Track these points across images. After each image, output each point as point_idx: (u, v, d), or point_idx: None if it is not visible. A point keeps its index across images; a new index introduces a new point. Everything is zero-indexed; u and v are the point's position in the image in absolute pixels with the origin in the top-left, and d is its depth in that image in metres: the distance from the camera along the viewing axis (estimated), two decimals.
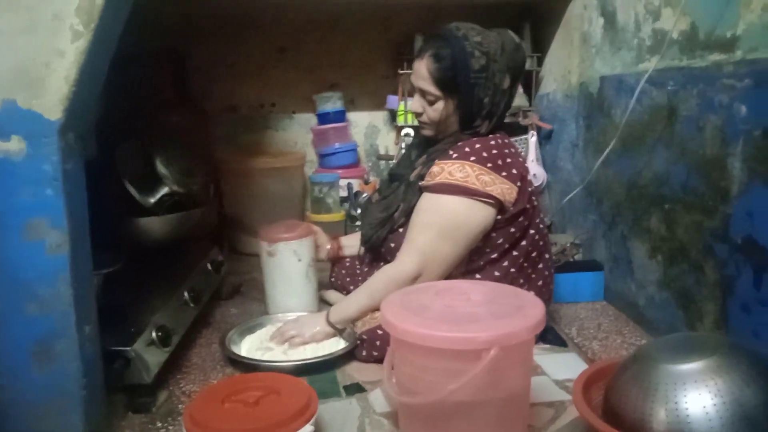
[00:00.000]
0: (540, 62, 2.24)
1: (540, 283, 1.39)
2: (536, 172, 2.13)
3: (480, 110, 1.31)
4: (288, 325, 1.39)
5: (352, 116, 2.44)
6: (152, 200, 1.57)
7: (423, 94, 1.35)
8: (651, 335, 1.44)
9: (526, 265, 1.35)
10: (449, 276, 1.31)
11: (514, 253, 1.33)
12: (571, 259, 1.81)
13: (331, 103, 2.34)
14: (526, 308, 0.96)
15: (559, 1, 2.05)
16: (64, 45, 0.92)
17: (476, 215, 1.26)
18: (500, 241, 1.30)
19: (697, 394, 0.82)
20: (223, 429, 0.93)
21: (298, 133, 2.51)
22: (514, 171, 1.29)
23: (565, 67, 2.04)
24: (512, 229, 1.30)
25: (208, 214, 1.77)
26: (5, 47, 0.91)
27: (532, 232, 1.34)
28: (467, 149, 1.28)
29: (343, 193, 2.22)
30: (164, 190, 1.58)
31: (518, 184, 1.29)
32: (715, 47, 1.21)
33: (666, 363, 0.87)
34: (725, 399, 0.81)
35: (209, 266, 1.67)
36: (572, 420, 1.08)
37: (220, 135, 2.45)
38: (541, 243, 1.37)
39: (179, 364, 1.35)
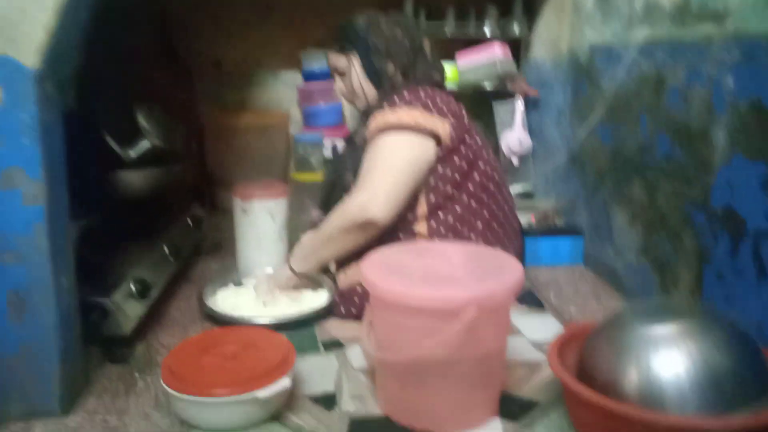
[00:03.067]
0: (530, 28, 2.22)
1: (503, 217, 1.41)
2: (522, 138, 2.13)
3: (379, 56, 1.41)
4: (263, 284, 1.41)
5: None
6: (133, 153, 1.54)
7: (336, 72, 1.49)
8: (627, 300, 1.46)
9: (486, 198, 1.38)
10: (414, 218, 1.33)
11: (470, 186, 1.35)
12: (553, 224, 1.82)
13: (318, 61, 2.30)
14: (506, 270, 0.96)
15: None
16: None
17: (414, 147, 1.29)
18: (449, 173, 1.33)
19: (669, 356, 0.84)
20: (200, 381, 0.94)
21: (283, 91, 2.48)
22: (445, 109, 1.33)
23: (555, 34, 2.03)
24: (456, 159, 1.33)
25: (190, 169, 1.76)
26: None
27: (481, 164, 1.37)
28: (397, 99, 1.34)
29: (328, 153, 2.20)
30: (145, 144, 1.56)
31: (450, 119, 1.33)
32: (706, 19, 1.20)
33: (639, 325, 0.88)
34: (696, 362, 0.82)
35: (190, 221, 1.67)
36: (546, 379, 1.10)
37: (205, 91, 2.42)
38: (496, 176, 1.40)
39: (158, 317, 1.35)
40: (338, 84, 1.50)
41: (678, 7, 1.30)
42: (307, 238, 1.38)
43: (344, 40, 1.45)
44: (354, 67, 1.44)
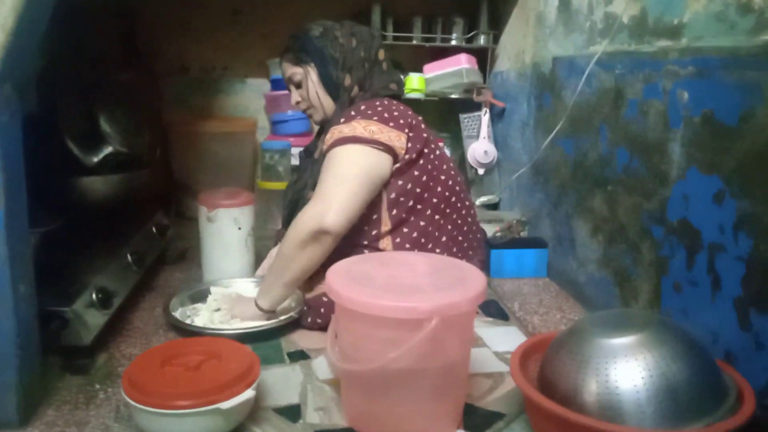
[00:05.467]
0: (496, 40, 2.26)
1: (465, 229, 1.43)
2: (487, 149, 2.16)
3: (336, 66, 1.40)
4: (227, 307, 1.38)
5: None
6: (95, 159, 1.52)
7: (291, 83, 1.48)
8: (589, 311, 1.49)
9: (448, 211, 1.39)
10: (378, 235, 1.34)
11: (434, 199, 1.36)
12: (517, 236, 1.85)
13: None
14: (468, 280, 0.98)
15: None
16: None
17: (367, 159, 1.29)
18: (410, 186, 1.33)
19: (627, 367, 0.86)
20: (162, 392, 0.92)
21: (250, 98, 2.47)
22: (401, 121, 1.33)
23: (519, 46, 2.06)
24: (416, 173, 1.34)
25: (154, 176, 1.73)
26: None
27: (443, 177, 1.38)
28: (353, 112, 1.33)
29: (295, 162, 2.20)
30: (108, 149, 1.53)
31: (406, 131, 1.33)
32: (663, 34, 1.24)
33: (599, 337, 0.90)
34: (653, 373, 0.85)
35: (154, 230, 1.65)
36: (509, 390, 1.11)
37: (170, 96, 2.40)
38: (457, 188, 1.42)
39: (120, 327, 1.33)
40: (294, 95, 1.49)
41: (636, 21, 1.34)
42: (269, 273, 1.32)
43: (300, 51, 1.43)
44: (310, 78, 1.43)
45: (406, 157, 1.32)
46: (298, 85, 1.46)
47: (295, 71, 1.45)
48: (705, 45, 1.11)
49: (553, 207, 1.73)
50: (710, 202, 1.07)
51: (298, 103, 1.49)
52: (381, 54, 1.44)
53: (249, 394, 0.95)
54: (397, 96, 1.44)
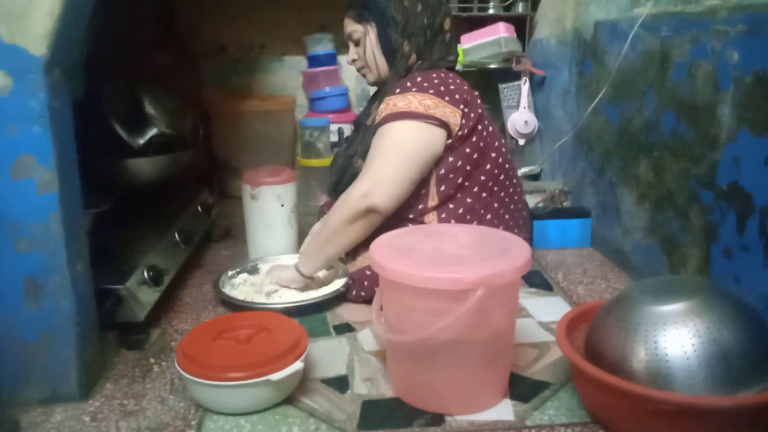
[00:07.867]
0: (534, 7, 2.21)
1: (512, 207, 1.42)
2: (527, 119, 2.13)
3: (397, 30, 1.37)
4: (266, 279, 1.40)
5: (344, 59, 2.39)
6: (141, 141, 1.55)
7: (350, 40, 1.45)
8: (636, 280, 1.46)
9: (496, 188, 1.38)
10: (425, 209, 1.34)
11: (482, 177, 1.35)
12: (560, 206, 1.82)
13: (322, 45, 2.30)
14: (513, 251, 0.97)
15: None
16: None
17: (421, 136, 1.28)
18: (460, 163, 1.32)
19: (677, 334, 0.84)
20: (214, 364, 0.95)
21: (288, 76, 2.48)
22: (457, 96, 1.32)
23: (559, 11, 2.01)
24: (467, 150, 1.32)
25: (198, 156, 1.77)
26: None
27: (493, 155, 1.37)
28: (408, 83, 1.31)
29: (334, 138, 2.21)
30: (153, 131, 1.57)
31: (461, 107, 1.31)
32: None
33: (647, 304, 0.89)
34: (703, 339, 0.83)
35: (199, 208, 1.68)
36: (555, 359, 1.11)
37: (210, 76, 2.42)
38: (507, 165, 1.40)
39: (171, 303, 1.37)
40: (351, 53, 1.47)
41: None
42: (313, 240, 1.35)
43: (362, 8, 1.40)
44: (369, 38, 1.41)
45: (459, 133, 1.30)
46: (357, 43, 1.44)
47: (355, 28, 1.42)
48: (756, 1, 1.07)
49: (597, 175, 1.70)
50: (762, 165, 1.04)
51: (354, 60, 1.47)
52: (447, 23, 1.40)
53: (298, 365, 0.97)
54: (453, 68, 1.42)
